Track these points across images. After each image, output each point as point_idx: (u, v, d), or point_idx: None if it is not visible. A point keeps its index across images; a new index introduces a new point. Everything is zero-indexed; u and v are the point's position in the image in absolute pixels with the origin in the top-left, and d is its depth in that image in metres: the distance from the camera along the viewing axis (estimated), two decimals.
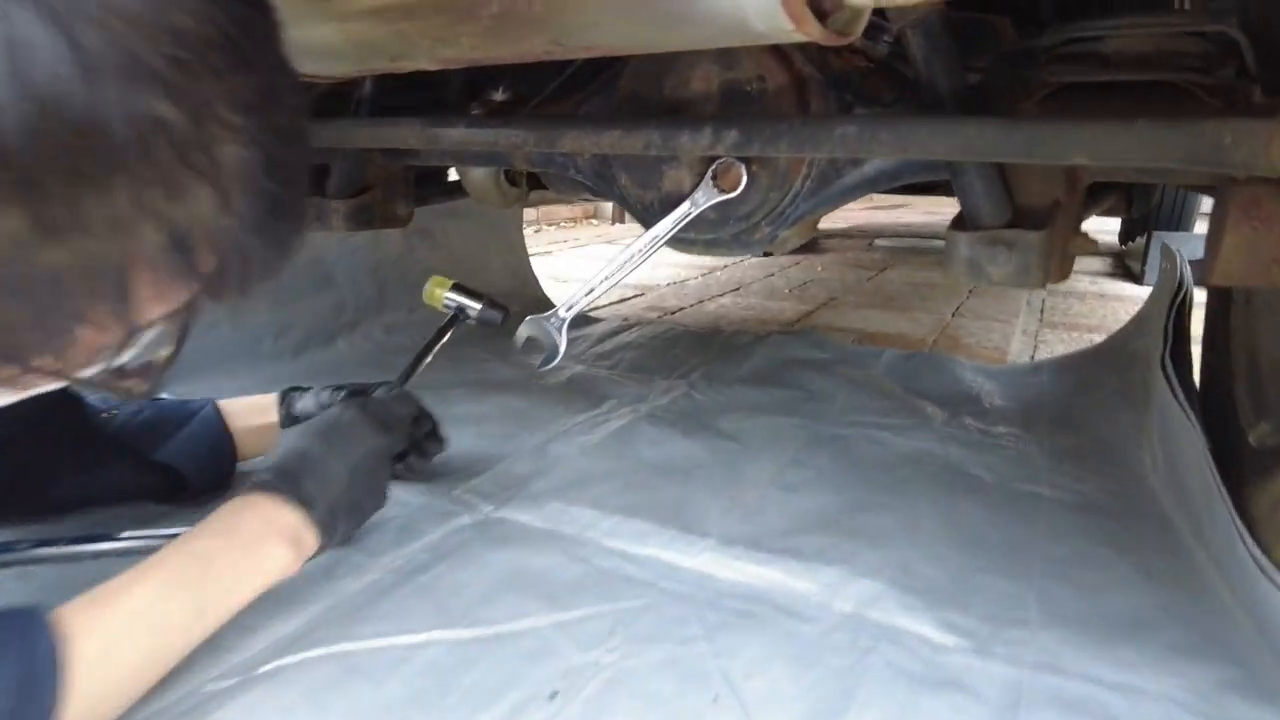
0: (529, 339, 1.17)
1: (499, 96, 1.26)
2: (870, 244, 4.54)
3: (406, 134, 1.15)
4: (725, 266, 3.63)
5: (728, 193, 1.03)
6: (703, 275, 3.38)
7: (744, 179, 1.02)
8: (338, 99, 1.36)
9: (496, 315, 1.14)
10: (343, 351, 1.84)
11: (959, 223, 0.93)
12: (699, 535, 1.00)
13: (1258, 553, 0.80)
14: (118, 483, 0.97)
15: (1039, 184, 0.89)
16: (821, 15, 0.55)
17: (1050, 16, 1.06)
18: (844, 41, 0.60)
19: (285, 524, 0.76)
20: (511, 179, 1.64)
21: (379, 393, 1.03)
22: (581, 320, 2.20)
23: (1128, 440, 1.32)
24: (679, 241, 1.16)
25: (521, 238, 2.56)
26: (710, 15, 0.57)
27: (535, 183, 1.67)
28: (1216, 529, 0.92)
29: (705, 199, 1.05)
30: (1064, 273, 0.94)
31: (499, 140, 1.06)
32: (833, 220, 5.61)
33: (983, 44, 0.95)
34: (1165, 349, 1.22)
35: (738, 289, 3.03)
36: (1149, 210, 3.25)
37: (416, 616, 0.81)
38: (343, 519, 0.83)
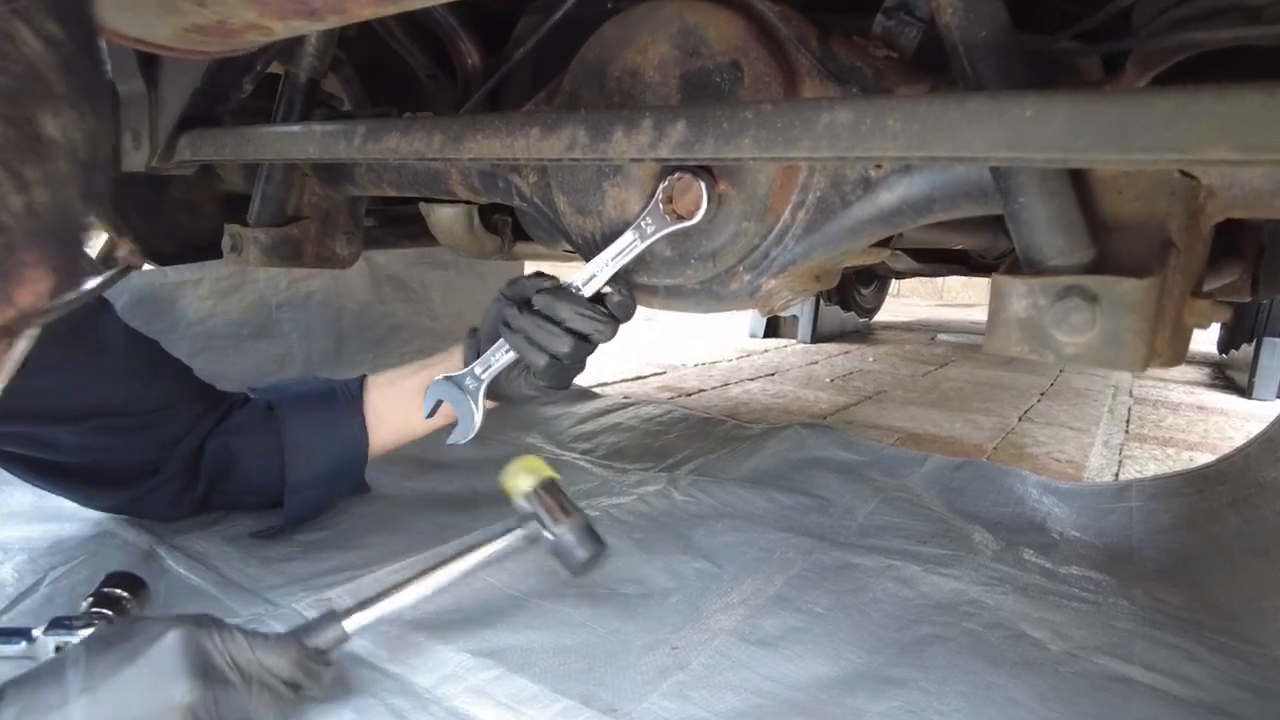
0: (437, 404, 0.90)
1: None
2: (933, 338, 4.16)
3: (276, 140, 0.90)
4: (765, 350, 3.31)
5: (684, 220, 0.75)
6: (738, 358, 3.07)
7: (704, 200, 0.73)
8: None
9: (583, 552, 0.75)
10: None
11: (1013, 267, 0.61)
12: (602, 712, 0.67)
13: None
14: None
15: (1140, 210, 0.57)
16: None
17: None
18: None
19: None
20: (490, 225, 1.40)
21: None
22: (576, 395, 1.91)
23: (1260, 605, 0.94)
24: (634, 288, 0.88)
25: None
26: None
27: (522, 233, 1.42)
28: None
29: (655, 228, 0.76)
30: (1177, 353, 0.61)
31: (385, 142, 0.80)
32: (893, 313, 5.26)
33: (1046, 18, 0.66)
34: None
35: (772, 374, 2.71)
36: (1257, 312, 2.83)
37: None
38: None
